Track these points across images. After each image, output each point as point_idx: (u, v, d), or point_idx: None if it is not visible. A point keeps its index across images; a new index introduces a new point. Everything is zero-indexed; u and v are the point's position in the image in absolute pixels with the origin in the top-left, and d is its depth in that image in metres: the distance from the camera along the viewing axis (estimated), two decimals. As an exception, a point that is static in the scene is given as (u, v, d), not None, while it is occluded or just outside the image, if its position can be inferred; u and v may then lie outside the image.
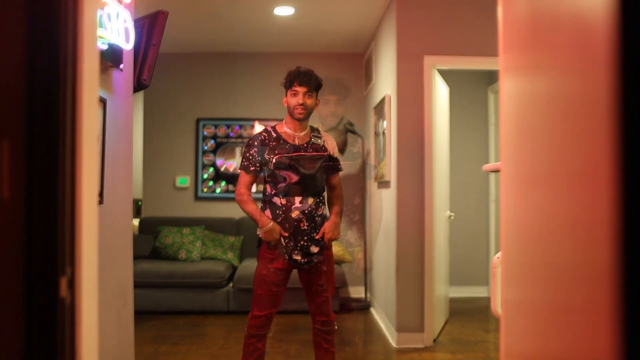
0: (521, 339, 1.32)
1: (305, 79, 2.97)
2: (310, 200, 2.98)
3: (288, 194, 2.96)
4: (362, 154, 6.19)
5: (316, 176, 2.98)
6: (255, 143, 3.01)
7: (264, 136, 3.02)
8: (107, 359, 2.72)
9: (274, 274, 2.98)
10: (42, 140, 1.23)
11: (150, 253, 5.85)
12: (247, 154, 3.01)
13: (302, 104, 2.97)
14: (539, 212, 1.17)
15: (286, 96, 3.04)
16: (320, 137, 3.09)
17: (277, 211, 2.98)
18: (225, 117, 6.50)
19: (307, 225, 2.97)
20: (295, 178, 2.94)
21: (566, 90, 1.02)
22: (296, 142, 3.02)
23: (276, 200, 2.99)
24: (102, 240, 2.42)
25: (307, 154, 2.99)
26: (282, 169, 2.94)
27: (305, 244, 2.98)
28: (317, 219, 3.01)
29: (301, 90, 2.98)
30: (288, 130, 3.04)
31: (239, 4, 5.01)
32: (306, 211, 2.96)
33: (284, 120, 3.09)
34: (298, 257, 2.98)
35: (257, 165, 2.99)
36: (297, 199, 2.96)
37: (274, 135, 3.02)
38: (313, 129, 3.12)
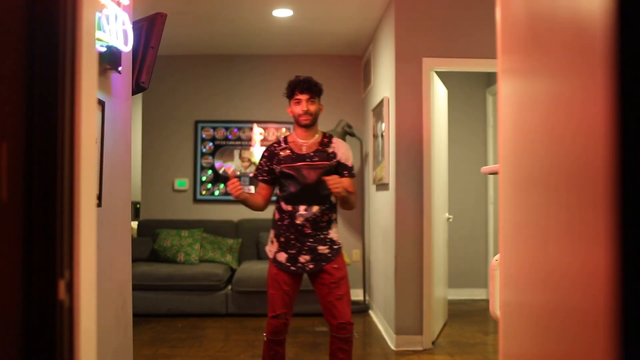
0: (520, 341, 1.32)
1: (305, 86, 3.05)
2: (315, 208, 3.02)
3: (292, 201, 3.03)
4: (360, 156, 6.19)
5: (317, 185, 3.00)
6: (265, 154, 3.14)
7: (274, 146, 3.13)
8: (105, 362, 2.72)
9: (284, 272, 3.04)
10: (40, 142, 1.23)
11: (148, 255, 5.85)
12: (258, 164, 3.16)
13: (306, 111, 3.04)
14: (537, 214, 1.17)
15: (290, 106, 3.12)
16: (329, 145, 3.11)
17: (283, 215, 3.06)
18: (223, 120, 6.51)
19: (311, 229, 3.02)
20: (297, 187, 3.01)
21: (564, 92, 1.02)
22: (303, 150, 3.07)
23: (283, 205, 3.07)
24: (100, 243, 2.42)
25: (309, 163, 3.03)
26: (286, 179, 3.04)
27: (312, 245, 3.02)
28: (321, 224, 3.04)
29: (303, 97, 3.04)
30: (297, 139, 3.12)
31: (238, 6, 5.01)
32: (310, 218, 3.01)
33: (294, 130, 3.18)
34: (307, 257, 3.01)
35: (265, 174, 3.11)
36: (302, 207, 3.02)
37: (283, 145, 3.12)
38: (325, 136, 3.15)
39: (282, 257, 3.04)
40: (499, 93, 1.44)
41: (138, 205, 6.50)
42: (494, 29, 1.57)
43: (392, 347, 4.42)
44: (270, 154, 3.11)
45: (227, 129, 6.51)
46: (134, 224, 6.16)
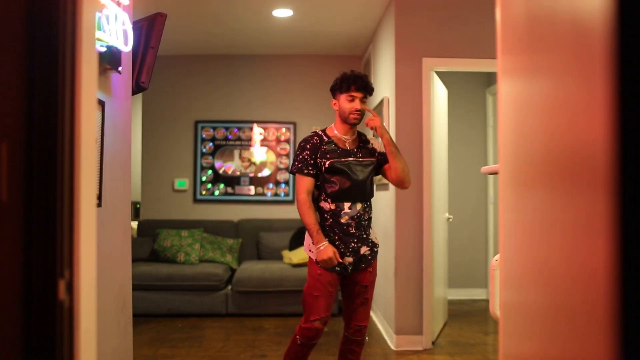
0: (520, 342, 1.32)
1: (363, 84, 2.91)
2: (359, 206, 2.91)
3: (338, 198, 2.89)
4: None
5: (367, 182, 2.92)
6: (308, 146, 2.94)
7: (316, 140, 2.95)
8: (105, 362, 2.72)
9: (329, 273, 2.90)
10: (40, 142, 1.23)
11: (148, 256, 5.85)
12: (300, 157, 2.93)
13: (358, 110, 2.93)
14: (537, 214, 1.17)
15: (336, 99, 2.98)
16: (368, 142, 3.05)
17: (325, 215, 2.91)
18: (223, 120, 6.51)
19: (355, 229, 2.91)
20: (347, 183, 2.87)
21: (564, 92, 1.02)
22: (347, 146, 2.96)
23: (324, 204, 2.92)
24: (100, 243, 2.42)
25: (359, 159, 2.93)
26: (334, 174, 2.88)
27: (355, 246, 2.91)
28: (364, 222, 2.94)
29: (358, 95, 2.91)
30: (338, 134, 2.99)
31: (238, 6, 5.01)
32: (355, 216, 2.90)
33: (332, 124, 3.04)
34: (350, 260, 2.90)
35: (311, 168, 2.91)
36: (347, 205, 2.89)
37: (326, 139, 2.96)
38: (360, 134, 3.08)
39: None
40: (499, 93, 1.44)
41: (138, 205, 6.50)
42: (494, 29, 1.57)
43: (392, 347, 4.42)
44: (313, 146, 2.92)
45: (227, 129, 6.51)
46: (134, 224, 6.17)
